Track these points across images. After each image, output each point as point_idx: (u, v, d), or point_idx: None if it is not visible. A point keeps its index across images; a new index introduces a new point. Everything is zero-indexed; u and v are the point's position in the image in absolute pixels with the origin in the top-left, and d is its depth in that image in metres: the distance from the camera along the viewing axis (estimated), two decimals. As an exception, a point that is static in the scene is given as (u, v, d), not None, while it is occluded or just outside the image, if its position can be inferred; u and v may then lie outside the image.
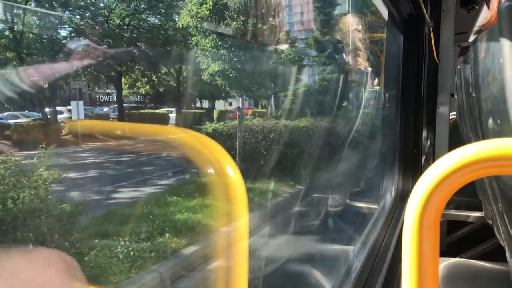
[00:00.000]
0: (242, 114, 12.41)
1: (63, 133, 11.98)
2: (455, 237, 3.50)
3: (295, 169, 9.92)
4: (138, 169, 10.45)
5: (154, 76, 18.74)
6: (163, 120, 17.52)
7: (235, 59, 13.56)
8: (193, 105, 21.04)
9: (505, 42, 0.69)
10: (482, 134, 1.01)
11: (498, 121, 0.84)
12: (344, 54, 19.03)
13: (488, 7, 1.00)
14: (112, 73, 17.03)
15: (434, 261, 0.50)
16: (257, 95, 18.98)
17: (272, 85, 16.93)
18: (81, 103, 11.39)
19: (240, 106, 14.59)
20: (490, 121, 0.90)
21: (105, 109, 17.92)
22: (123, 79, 18.09)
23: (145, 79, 18.77)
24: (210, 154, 0.58)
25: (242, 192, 0.57)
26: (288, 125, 11.43)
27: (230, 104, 24.35)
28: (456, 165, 0.46)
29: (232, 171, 0.57)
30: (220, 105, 23.15)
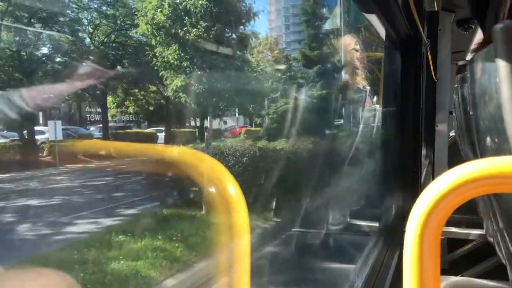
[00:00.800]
0: (209, 136, 11.88)
1: (41, 155, 11.45)
2: (456, 255, 3.48)
3: (274, 198, 8.70)
4: (108, 195, 9.49)
5: (143, 95, 18.24)
6: (150, 140, 16.98)
7: (211, 75, 12.55)
8: (187, 124, 20.69)
9: (500, 62, 0.70)
10: (480, 152, 1.01)
11: (496, 140, 0.85)
12: (341, 72, 18.86)
13: (482, 28, 1.02)
14: (98, 92, 16.61)
15: (435, 278, 0.50)
16: (249, 113, 18.52)
17: (265, 103, 16.31)
18: (59, 122, 10.86)
19: (208, 126, 13.94)
20: (488, 139, 0.91)
21: (92, 129, 17.46)
22: (110, 98, 17.67)
23: (133, 98, 18.39)
24: (211, 173, 0.59)
25: (243, 211, 0.57)
26: (267, 147, 10.13)
27: (225, 122, 24.12)
28: (456, 183, 0.47)
29: (233, 189, 0.57)
30: (216, 123, 22.98)
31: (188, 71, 12.58)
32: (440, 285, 0.52)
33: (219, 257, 0.55)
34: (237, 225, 0.57)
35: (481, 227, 3.03)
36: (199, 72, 12.45)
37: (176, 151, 0.62)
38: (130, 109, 19.15)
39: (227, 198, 0.57)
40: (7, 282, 0.43)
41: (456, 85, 1.83)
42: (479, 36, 3.18)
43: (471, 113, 1.08)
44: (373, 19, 2.11)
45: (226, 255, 0.57)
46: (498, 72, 0.71)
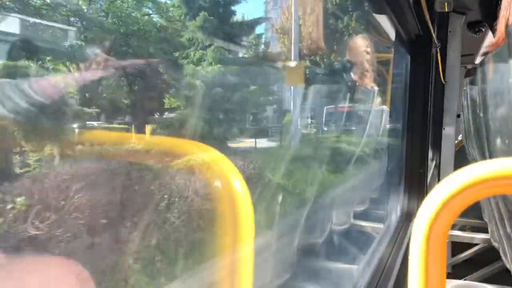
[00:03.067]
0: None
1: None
2: (460, 260, 3.46)
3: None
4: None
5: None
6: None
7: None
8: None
9: None
10: (489, 154, 1.00)
11: (506, 141, 0.84)
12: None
13: (493, 31, 1.01)
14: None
15: (441, 280, 0.49)
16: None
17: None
18: None
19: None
20: (498, 140, 0.89)
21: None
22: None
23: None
24: (217, 167, 0.58)
25: (248, 206, 0.57)
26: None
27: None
28: (464, 184, 0.46)
29: (239, 184, 0.57)
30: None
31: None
32: (445, 286, 0.51)
33: (223, 252, 0.55)
34: (242, 220, 0.56)
35: (485, 232, 3.02)
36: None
37: (184, 144, 0.62)
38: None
39: (232, 193, 0.57)
40: (14, 270, 0.42)
41: (465, 88, 1.82)
42: (489, 39, 3.16)
43: (480, 115, 1.07)
44: (382, 19, 2.10)
45: (229, 250, 0.56)
46: (510, 72, 0.70)
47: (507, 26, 0.84)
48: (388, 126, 3.16)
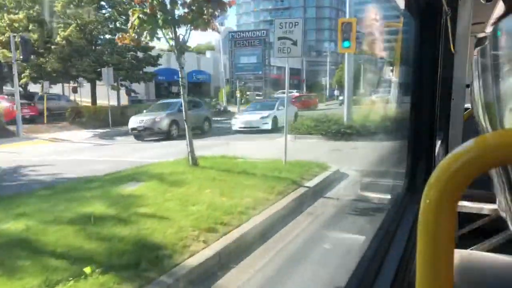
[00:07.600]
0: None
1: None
2: (467, 230, 3.47)
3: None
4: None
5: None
6: None
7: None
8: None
9: None
10: (500, 123, 0.99)
11: None
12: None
13: None
14: None
15: (449, 251, 0.49)
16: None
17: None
18: None
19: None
20: (510, 109, 0.88)
21: None
22: None
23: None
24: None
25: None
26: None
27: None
28: (474, 154, 0.45)
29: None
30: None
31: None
32: (453, 256, 0.51)
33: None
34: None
35: (493, 202, 3.01)
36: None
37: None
38: None
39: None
40: None
41: (475, 56, 1.78)
42: (500, 8, 3.08)
43: (492, 83, 1.05)
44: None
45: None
46: None
47: None
48: (395, 96, 3.14)
